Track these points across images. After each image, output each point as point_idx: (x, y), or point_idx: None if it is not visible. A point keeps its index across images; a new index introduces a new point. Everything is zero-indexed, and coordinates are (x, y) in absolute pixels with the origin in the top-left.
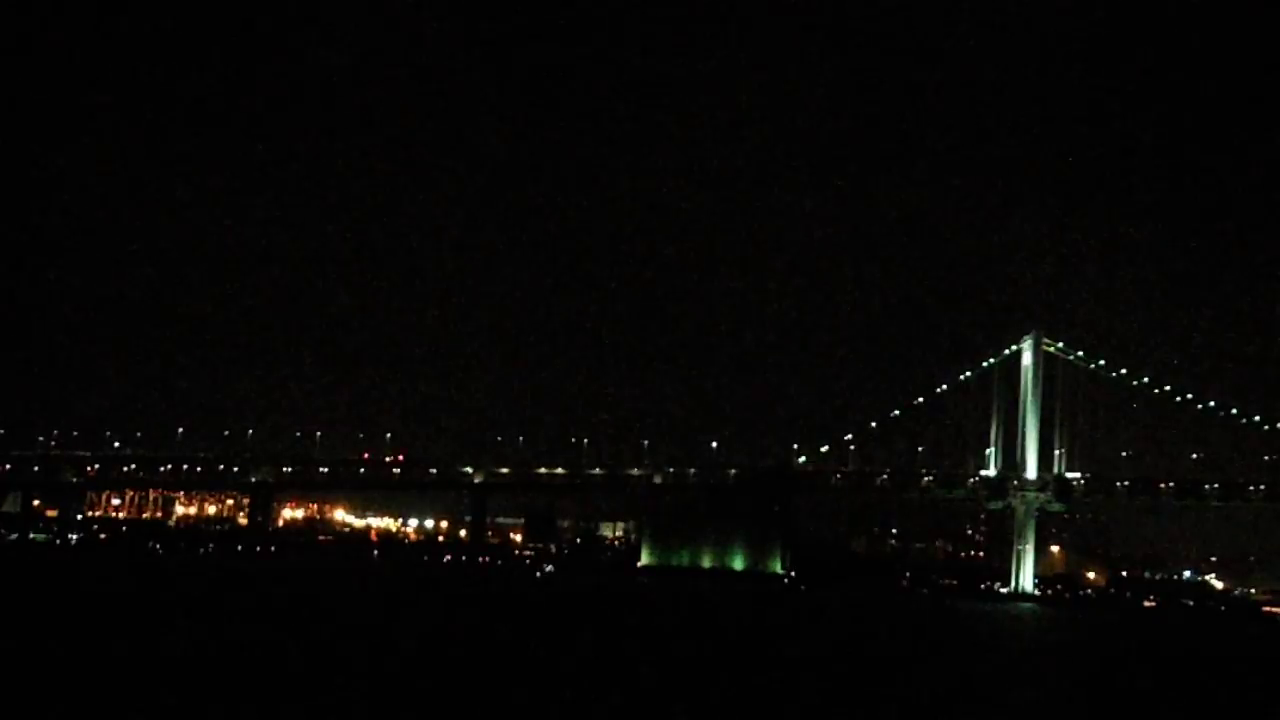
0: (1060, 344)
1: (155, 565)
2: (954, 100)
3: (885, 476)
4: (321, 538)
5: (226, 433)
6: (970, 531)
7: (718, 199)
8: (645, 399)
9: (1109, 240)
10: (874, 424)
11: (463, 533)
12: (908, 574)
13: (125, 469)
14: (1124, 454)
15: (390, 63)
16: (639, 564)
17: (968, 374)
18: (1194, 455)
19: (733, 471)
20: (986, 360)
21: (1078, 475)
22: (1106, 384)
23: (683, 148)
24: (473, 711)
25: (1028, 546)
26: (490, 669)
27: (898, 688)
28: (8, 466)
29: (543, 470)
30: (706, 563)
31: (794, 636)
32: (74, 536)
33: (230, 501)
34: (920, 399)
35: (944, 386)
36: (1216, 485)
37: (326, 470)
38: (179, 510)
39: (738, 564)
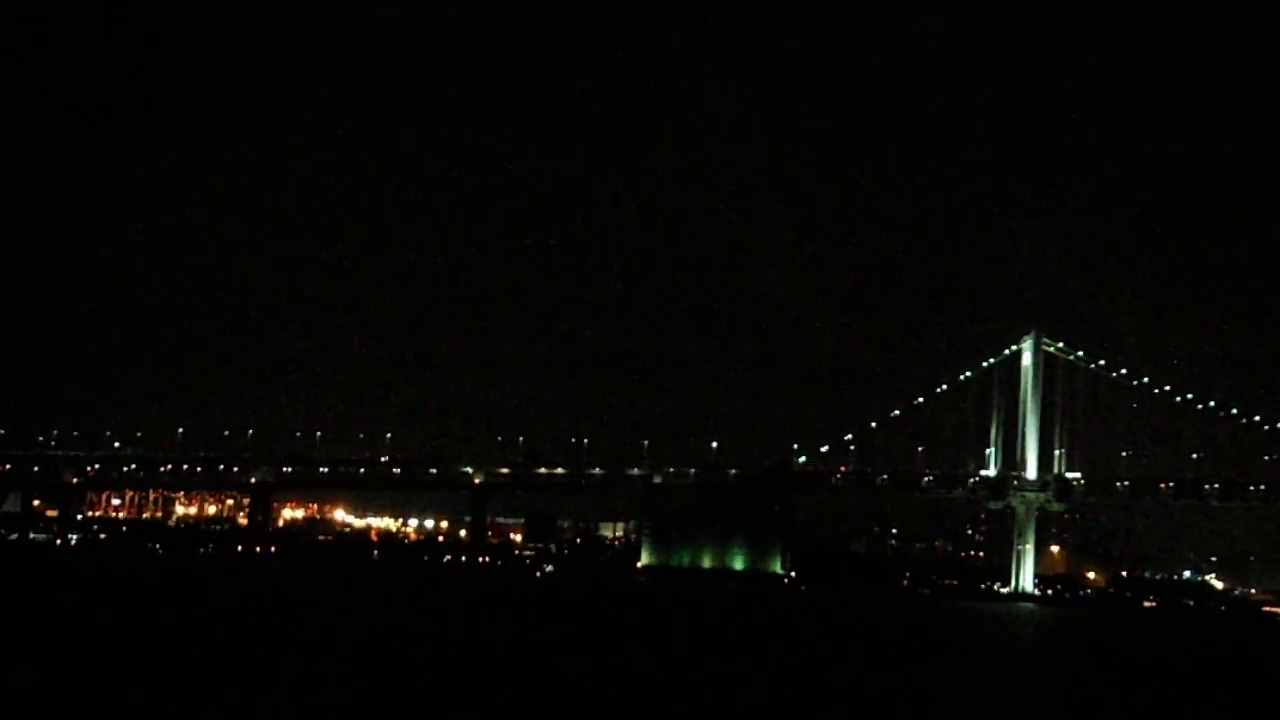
0: (1060, 344)
1: (155, 565)
2: (954, 100)
3: (885, 476)
4: (321, 538)
5: (226, 433)
6: (970, 531)
7: (718, 199)
8: (645, 399)
9: (1109, 240)
10: (874, 424)
11: (463, 533)
12: (908, 574)
13: (125, 469)
14: (1124, 454)
15: (390, 63)
16: (639, 564)
17: (968, 374)
18: (1194, 455)
19: (733, 471)
20: (986, 360)
21: (1078, 475)
22: (1106, 384)
23: (683, 148)
24: (472, 711)
25: (1028, 546)
26: (489, 669)
27: (898, 688)
28: (8, 466)
29: (543, 470)
30: (706, 563)
31: (794, 637)
32: (74, 536)
33: (230, 501)
34: (920, 399)
35: (944, 386)
36: (1216, 485)
37: (326, 470)
38: (179, 510)
39: (738, 564)
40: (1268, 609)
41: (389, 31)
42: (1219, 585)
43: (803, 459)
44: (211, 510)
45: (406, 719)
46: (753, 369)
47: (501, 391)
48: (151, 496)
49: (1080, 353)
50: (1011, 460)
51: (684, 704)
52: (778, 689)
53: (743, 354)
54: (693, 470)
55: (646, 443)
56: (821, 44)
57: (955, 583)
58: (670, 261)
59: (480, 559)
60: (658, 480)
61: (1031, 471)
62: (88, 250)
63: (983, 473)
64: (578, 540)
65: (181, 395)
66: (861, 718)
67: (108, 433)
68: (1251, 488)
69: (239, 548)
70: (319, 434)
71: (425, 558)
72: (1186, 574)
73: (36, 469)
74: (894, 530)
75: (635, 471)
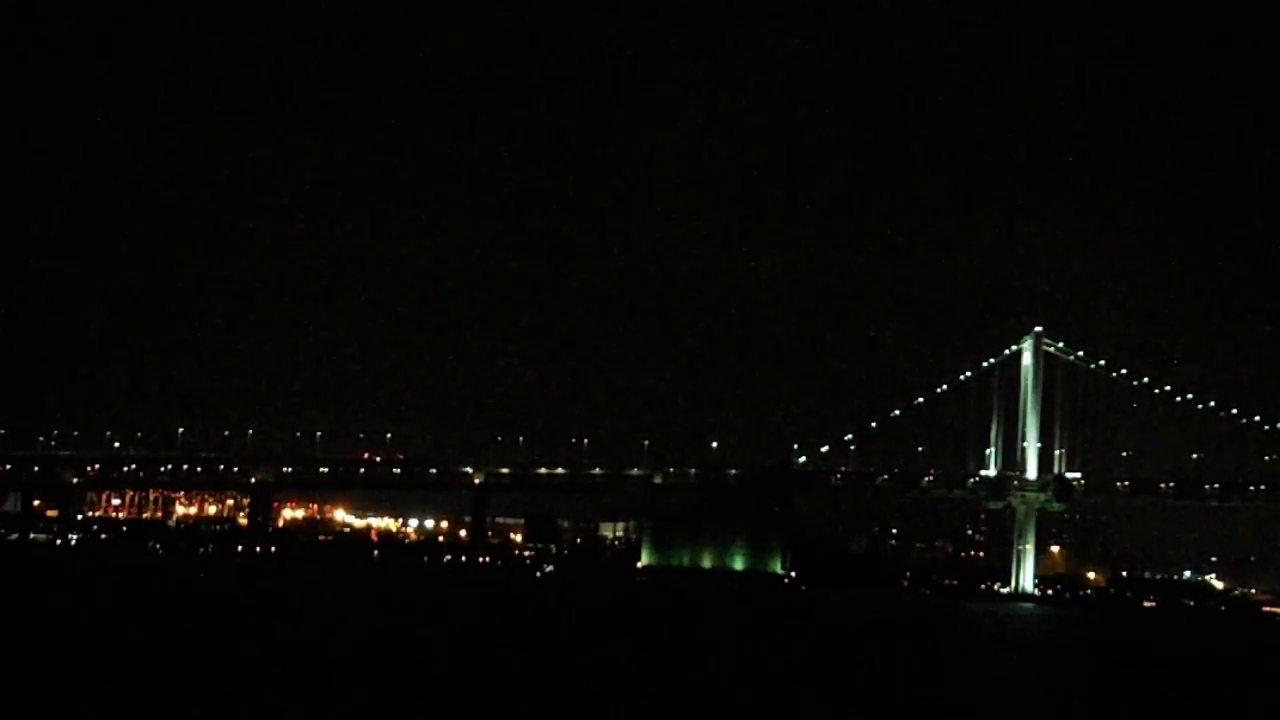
0: (1060, 344)
1: (155, 565)
2: (954, 100)
3: (885, 476)
4: (321, 538)
5: (226, 433)
6: (970, 531)
7: (717, 199)
8: (645, 399)
9: (1109, 240)
10: (874, 424)
11: (463, 533)
12: (908, 574)
13: (125, 469)
14: (1124, 454)
15: (391, 63)
16: (639, 564)
17: (968, 374)
18: (1194, 455)
19: (733, 471)
20: (986, 360)
21: (1078, 475)
22: (1106, 384)
23: (683, 148)
24: (473, 711)
25: (1028, 546)
26: (489, 669)
27: (898, 688)
28: (8, 466)
29: (543, 470)
30: (706, 563)
31: (794, 637)
32: (74, 536)
33: (230, 501)
34: (920, 399)
35: (944, 386)
36: (1216, 485)
37: (326, 470)
38: (179, 510)
39: (738, 564)
40: (1268, 609)
41: (389, 31)
42: (1219, 585)
43: (803, 459)
44: (211, 510)
45: (406, 719)
46: (753, 369)
47: (501, 391)
48: (151, 496)
49: (1080, 353)
50: (1011, 460)
51: (684, 704)
52: (778, 689)
53: (743, 354)
54: (693, 470)
55: (646, 443)
56: (822, 45)
57: (955, 583)
58: (670, 262)
59: (480, 559)
60: (658, 480)
61: (1031, 471)
62: (88, 250)
63: (983, 473)
64: (578, 540)
65: (181, 395)
66: (861, 718)
67: (108, 433)
68: (1251, 488)
69: (239, 548)
70: (319, 434)
71: (425, 558)
72: (1186, 574)
73: (36, 469)
74: (894, 530)
75: (635, 471)
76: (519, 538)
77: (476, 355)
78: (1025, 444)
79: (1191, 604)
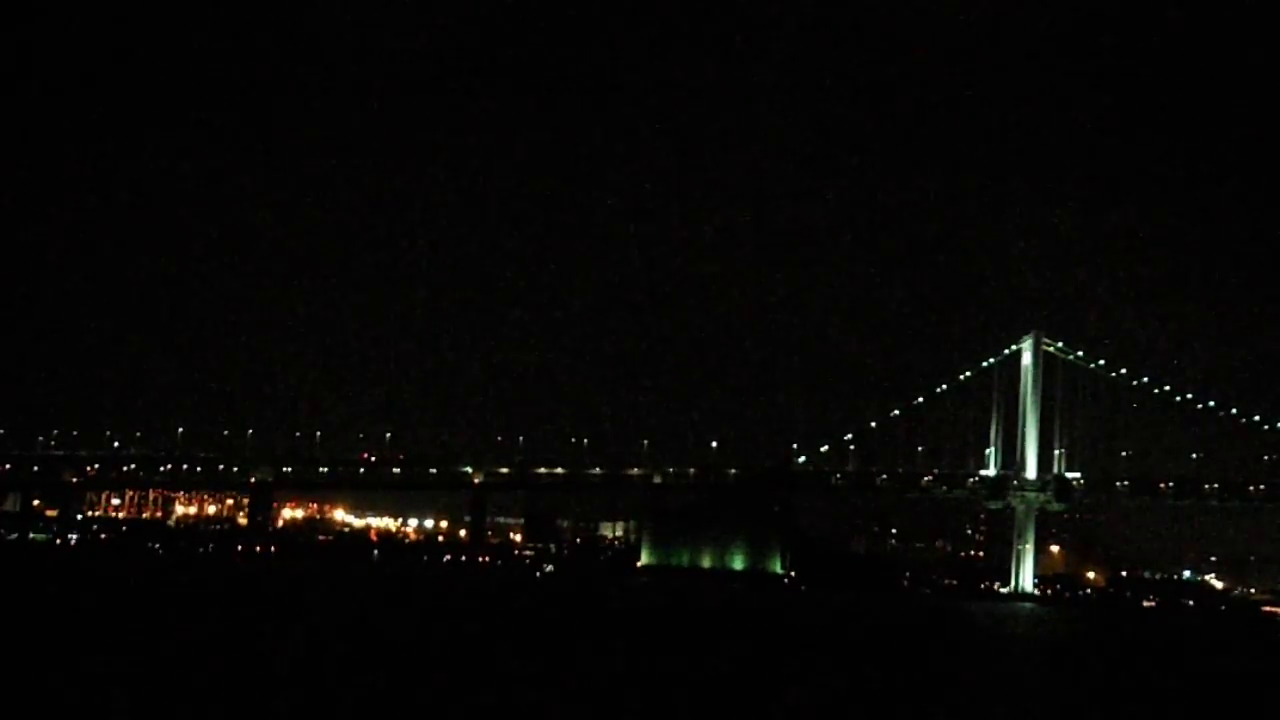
0: (1060, 344)
1: (155, 565)
2: (954, 100)
3: (885, 476)
4: (321, 538)
5: (226, 433)
6: (970, 531)
7: (717, 199)
8: (645, 399)
9: (1109, 240)
10: (874, 424)
11: (463, 533)
12: (908, 574)
13: (125, 469)
14: (1124, 454)
15: (391, 64)
16: (639, 564)
17: (968, 374)
18: (1194, 455)
19: (733, 471)
20: (986, 360)
21: (1078, 475)
22: (1106, 384)
23: (683, 148)
24: (472, 711)
25: (1027, 546)
26: (488, 669)
27: (898, 688)
28: (8, 466)
29: (543, 470)
30: (706, 563)
31: (793, 636)
32: (74, 536)
33: (230, 501)
34: (920, 399)
35: (944, 386)
36: (1216, 485)
37: (326, 470)
38: (179, 510)
39: (738, 564)
40: (1268, 609)
41: (388, 31)
42: (1219, 585)
43: (803, 459)
44: (211, 510)
45: (406, 719)
46: (753, 369)
47: (501, 391)
48: (151, 496)
49: (1080, 353)
50: (1011, 460)
51: (684, 704)
52: (777, 689)
53: (743, 354)
54: (693, 470)
55: (646, 443)
56: (821, 44)
57: (955, 583)
58: (671, 262)
59: (480, 559)
60: (658, 480)
61: (1031, 471)
62: (88, 251)
63: (983, 473)
64: (578, 540)
65: (181, 395)
66: (861, 718)
67: (108, 433)
68: (1251, 488)
69: (239, 547)
70: (319, 434)
71: (425, 558)
72: (1186, 574)
73: (36, 469)
74: (894, 530)
75: (635, 471)
76: (519, 538)
77: (476, 355)
78: (1025, 444)
79: (1191, 604)
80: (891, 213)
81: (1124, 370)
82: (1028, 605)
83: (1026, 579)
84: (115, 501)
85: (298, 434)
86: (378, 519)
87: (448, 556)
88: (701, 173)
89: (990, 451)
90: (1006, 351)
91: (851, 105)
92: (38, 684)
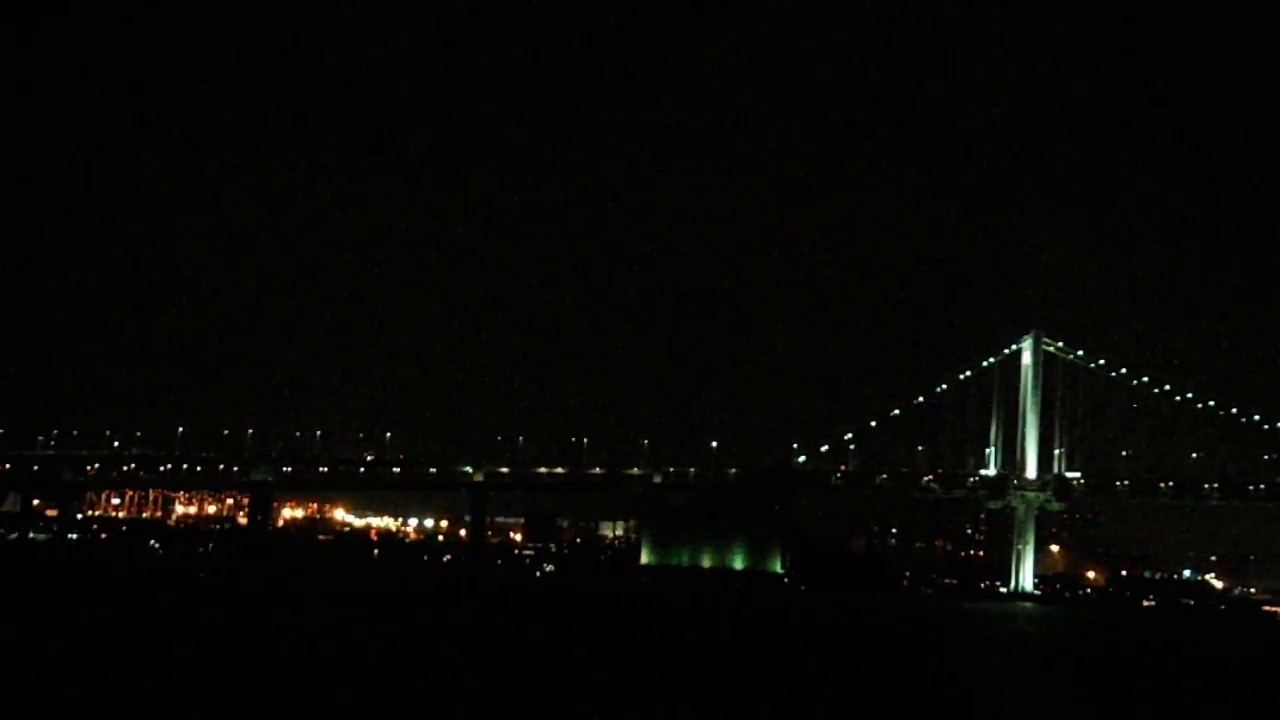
0: (1060, 344)
1: (155, 565)
2: (954, 100)
3: (885, 476)
4: (321, 538)
5: (226, 432)
6: (970, 531)
7: (717, 199)
8: (645, 399)
9: (1109, 240)
10: (874, 424)
11: (463, 533)
12: (908, 574)
13: (125, 469)
14: (1124, 454)
15: (392, 64)
16: (639, 564)
17: (968, 374)
18: (1194, 455)
19: (733, 471)
20: (986, 360)
21: (1078, 475)
22: (1106, 384)
23: (682, 148)
24: (473, 711)
25: (1027, 546)
26: (489, 669)
27: (898, 687)
28: (8, 466)
29: (543, 470)
30: (706, 563)
31: (794, 636)
32: (74, 536)
33: (230, 501)
34: (920, 399)
35: (944, 386)
36: (1216, 485)
37: (326, 470)
38: (179, 510)
39: (738, 564)
40: (1268, 609)
41: (388, 31)
42: (1219, 585)
43: (803, 459)
44: (211, 510)
45: (406, 719)
46: (753, 369)
47: (501, 391)
48: (151, 496)
49: (1080, 353)
50: (1011, 460)
51: (683, 704)
52: (777, 689)
53: (743, 354)
54: (693, 470)
55: (646, 443)
56: (822, 44)
57: (955, 583)
58: (670, 262)
59: (480, 558)
60: (658, 480)
61: (1031, 471)
62: (87, 251)
63: (983, 473)
64: (578, 540)
65: (181, 395)
66: (861, 718)
67: (108, 432)
68: (1251, 488)
69: (239, 547)
70: (319, 434)
71: (425, 558)
72: (1186, 574)
73: (36, 469)
74: (894, 530)
75: (635, 471)
76: (519, 537)
77: (476, 355)
78: (1025, 444)
79: (1191, 604)
80: (892, 213)
81: (1124, 370)
82: (1028, 605)
83: (1026, 579)
84: (115, 501)
85: (298, 434)
86: (378, 519)
87: (448, 556)
88: (702, 173)
89: (990, 451)
90: (1006, 351)
91: (852, 105)
92: (38, 684)
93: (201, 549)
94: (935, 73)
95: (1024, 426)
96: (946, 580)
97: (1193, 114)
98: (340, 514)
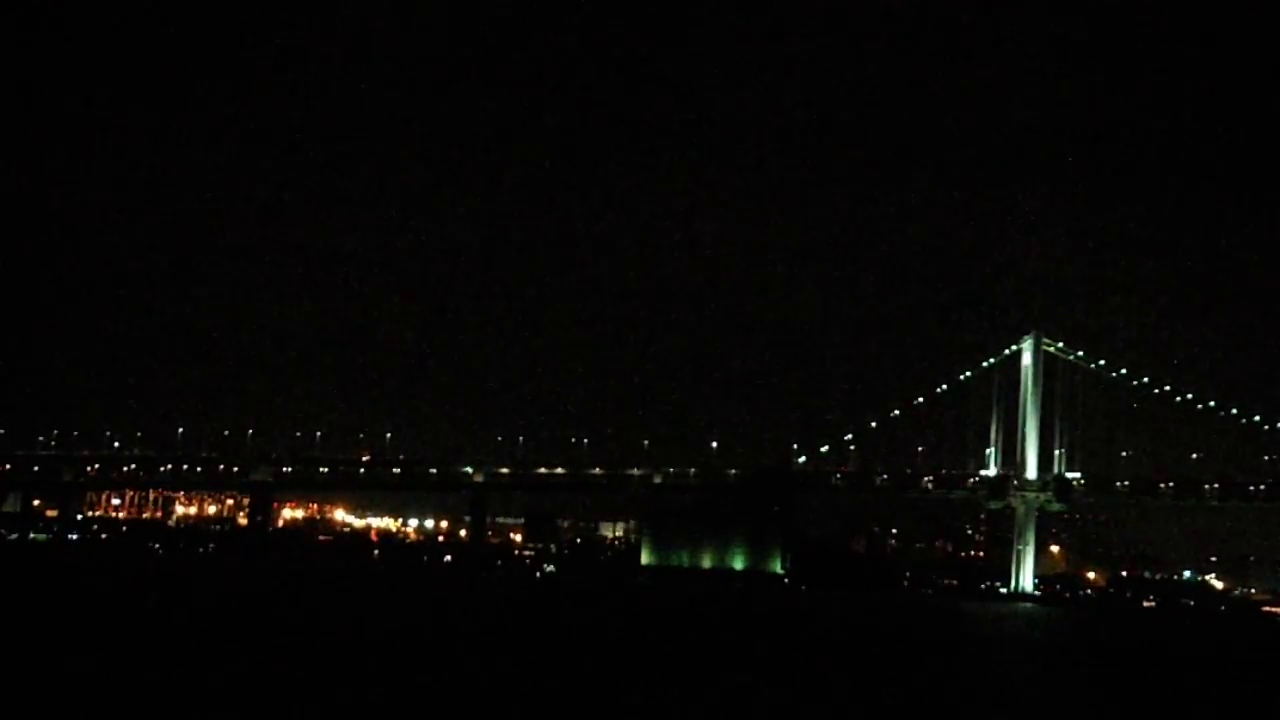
0: (1060, 344)
1: (155, 565)
2: (954, 100)
3: (885, 476)
4: (321, 538)
5: (226, 432)
6: (970, 531)
7: (716, 199)
8: (645, 399)
9: (1109, 240)
10: (874, 424)
11: (463, 533)
12: (908, 574)
13: (125, 469)
14: (1124, 454)
15: (392, 64)
16: (639, 564)
17: (968, 374)
18: (1194, 455)
19: (733, 471)
20: (986, 360)
21: (1078, 475)
22: (1106, 384)
23: (682, 148)
24: (473, 711)
25: (1028, 546)
26: (489, 669)
27: (898, 688)
28: (8, 466)
29: (543, 470)
30: (706, 563)
31: (794, 636)
32: (74, 536)
33: (230, 501)
34: (920, 399)
35: (944, 386)
36: (1216, 485)
37: (326, 470)
38: (179, 510)
39: (738, 564)
40: (1268, 609)
41: (388, 31)
42: (1219, 585)
43: (803, 459)
44: (211, 510)
45: (406, 719)
46: (753, 369)
47: (501, 391)
48: (151, 496)
49: (1080, 353)
50: (1011, 460)
51: (683, 704)
52: (777, 689)
53: (743, 354)
54: (693, 470)
55: (646, 443)
56: (823, 45)
57: (955, 583)
58: (670, 263)
59: (480, 558)
60: (658, 480)
61: (1031, 471)
62: (88, 251)
63: (983, 473)
64: (578, 540)
65: (181, 395)
66: (862, 718)
67: (108, 433)
68: (1251, 488)
69: (239, 548)
70: (319, 434)
71: (425, 558)
72: (1186, 574)
73: (36, 469)
74: (894, 530)
75: (635, 471)
76: (519, 538)
77: (477, 355)
78: (1025, 444)
79: (1191, 604)
80: (891, 213)
81: (1124, 370)
82: (1028, 605)
83: (1026, 579)
84: (115, 501)
85: (298, 434)
86: (378, 519)
87: (448, 556)
88: (701, 172)
89: (990, 451)
90: (1006, 351)
91: (852, 105)
92: (37, 684)
93: (202, 549)
94: (936, 73)
95: (1024, 427)
96: (946, 581)
97: (1193, 114)
98: (340, 514)
